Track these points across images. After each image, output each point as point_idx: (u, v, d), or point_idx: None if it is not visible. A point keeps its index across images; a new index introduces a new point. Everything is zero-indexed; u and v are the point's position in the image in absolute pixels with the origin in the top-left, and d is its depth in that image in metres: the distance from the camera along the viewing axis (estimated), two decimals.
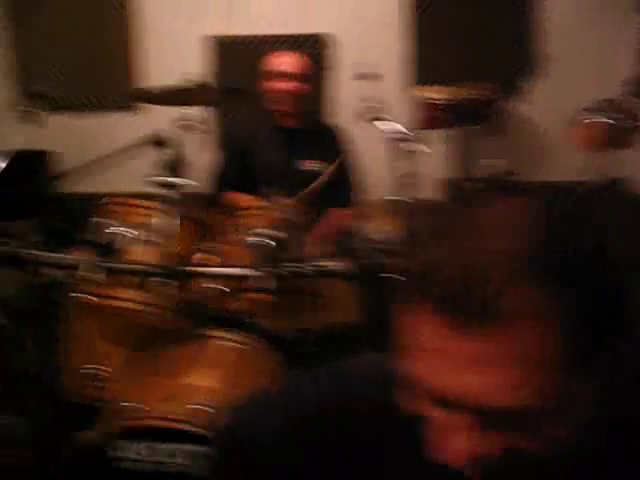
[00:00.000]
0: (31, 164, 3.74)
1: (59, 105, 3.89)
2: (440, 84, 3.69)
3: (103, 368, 2.08)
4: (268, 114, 2.90)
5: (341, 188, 2.80)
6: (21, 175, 3.09)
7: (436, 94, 3.52)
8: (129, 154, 1.85)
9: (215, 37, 3.85)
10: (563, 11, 3.76)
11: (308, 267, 1.80)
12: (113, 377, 2.07)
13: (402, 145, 2.05)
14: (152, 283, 1.86)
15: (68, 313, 2.16)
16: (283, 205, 1.84)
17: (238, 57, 3.82)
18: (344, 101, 3.78)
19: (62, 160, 3.99)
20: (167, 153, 1.80)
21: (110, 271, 1.84)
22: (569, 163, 3.69)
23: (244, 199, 2.73)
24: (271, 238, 1.88)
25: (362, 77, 2.27)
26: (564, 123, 3.63)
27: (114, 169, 2.03)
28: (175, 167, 1.79)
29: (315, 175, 2.81)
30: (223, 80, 3.77)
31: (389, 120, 2.13)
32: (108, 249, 1.87)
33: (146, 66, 3.94)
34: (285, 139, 2.87)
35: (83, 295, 1.95)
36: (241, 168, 2.85)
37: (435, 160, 3.37)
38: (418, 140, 2.04)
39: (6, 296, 2.15)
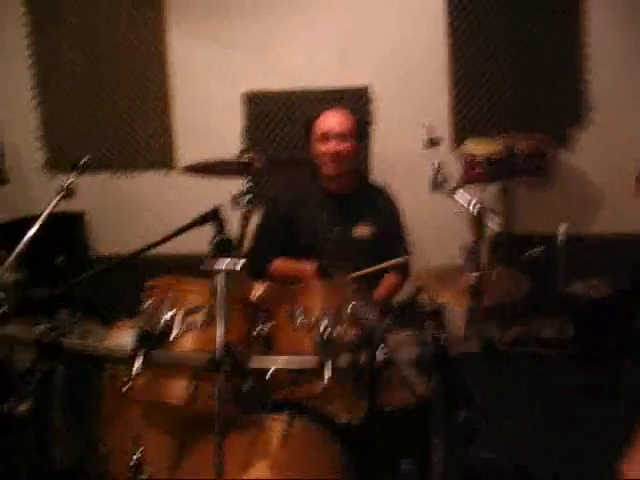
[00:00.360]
0: (66, 227, 3.67)
1: (94, 166, 3.85)
2: (485, 136, 3.57)
3: (148, 458, 1.93)
4: (315, 179, 2.78)
5: (395, 251, 2.67)
6: (56, 239, 3.00)
7: (481, 147, 3.39)
8: (184, 229, 1.75)
9: (251, 93, 3.79)
10: (610, 61, 3.64)
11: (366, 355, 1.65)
12: (159, 468, 1.92)
13: (468, 212, 1.89)
14: (202, 371, 1.72)
15: (108, 400, 2.02)
16: (340, 284, 1.69)
17: (275, 112, 3.74)
18: (383, 156, 3.67)
19: (97, 222, 3.94)
20: (221, 230, 1.67)
21: (155, 362, 1.70)
22: (622, 214, 3.54)
23: (294, 267, 2.64)
24: (329, 322, 1.74)
25: (433, 144, 2.11)
26: (615, 173, 3.49)
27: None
28: (228, 245, 1.66)
29: (366, 240, 2.69)
30: (261, 136, 3.70)
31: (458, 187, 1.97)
32: (155, 336, 1.73)
33: (182, 125, 3.90)
34: (334, 205, 2.74)
35: (125, 381, 1.81)
36: (288, 236, 2.72)
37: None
38: (487, 211, 1.88)
39: (44, 382, 2.03)
